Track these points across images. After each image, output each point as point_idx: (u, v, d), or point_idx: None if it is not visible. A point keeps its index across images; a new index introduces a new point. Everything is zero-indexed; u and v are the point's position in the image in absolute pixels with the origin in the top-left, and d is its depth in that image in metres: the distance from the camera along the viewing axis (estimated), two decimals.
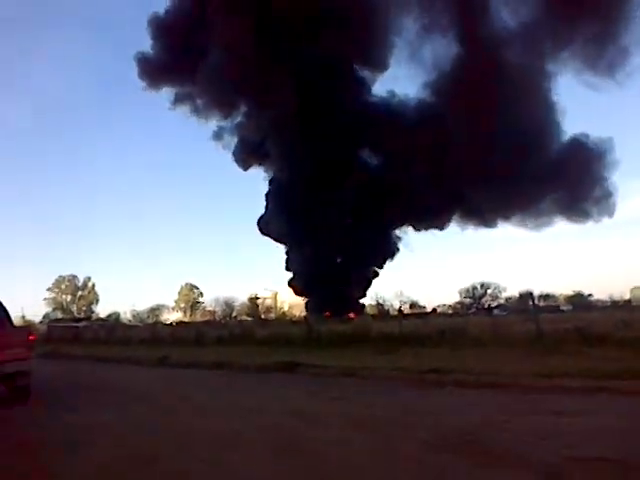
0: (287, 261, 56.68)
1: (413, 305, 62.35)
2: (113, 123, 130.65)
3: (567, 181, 45.39)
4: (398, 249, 56.05)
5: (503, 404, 8.83)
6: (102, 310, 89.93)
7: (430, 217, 52.01)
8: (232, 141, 56.58)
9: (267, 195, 56.50)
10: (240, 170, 59.16)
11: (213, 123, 58.53)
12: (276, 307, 71.25)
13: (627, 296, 60.73)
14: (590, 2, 40.38)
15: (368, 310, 56.51)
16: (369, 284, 56.40)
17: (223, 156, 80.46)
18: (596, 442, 5.95)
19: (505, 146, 41.02)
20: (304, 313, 48.91)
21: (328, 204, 49.58)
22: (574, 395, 9.17)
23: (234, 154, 56.40)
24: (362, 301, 57.15)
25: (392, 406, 9.15)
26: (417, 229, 54.84)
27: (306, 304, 54.84)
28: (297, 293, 57.36)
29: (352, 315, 44.47)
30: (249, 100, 50.86)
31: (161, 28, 51.69)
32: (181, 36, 49.40)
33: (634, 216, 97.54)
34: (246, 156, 55.96)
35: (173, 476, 5.43)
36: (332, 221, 50.11)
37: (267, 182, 57.66)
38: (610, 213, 48.06)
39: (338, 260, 54.83)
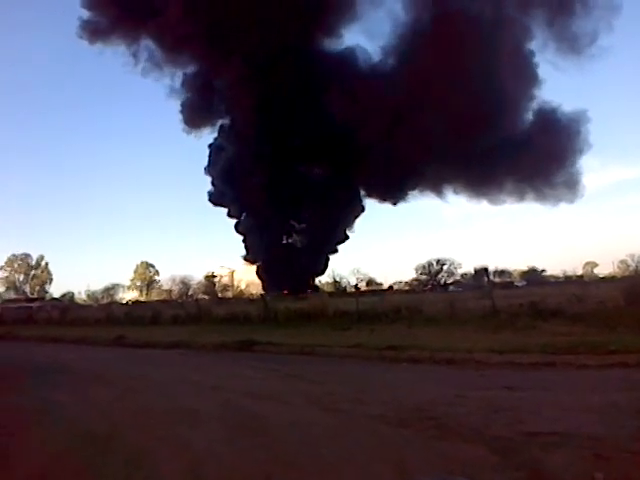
0: (244, 238, 56.52)
1: (370, 282, 63.17)
2: (62, 90, 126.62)
3: (533, 158, 45.25)
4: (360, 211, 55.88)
5: (458, 380, 8.98)
6: (56, 290, 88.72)
7: (385, 187, 52.07)
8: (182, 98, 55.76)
9: (211, 158, 56.35)
10: (194, 139, 58.93)
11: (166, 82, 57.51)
12: (233, 285, 70.90)
13: (580, 271, 62.38)
14: None
15: (325, 288, 56.81)
16: (327, 261, 56.57)
17: (178, 129, 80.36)
18: (548, 417, 6.07)
19: (468, 115, 40.65)
20: (261, 291, 48.71)
21: (286, 176, 49.28)
22: (526, 370, 9.36)
23: (182, 114, 55.57)
24: (319, 279, 57.40)
25: (349, 383, 9.23)
26: (371, 195, 55.04)
27: (263, 282, 54.76)
28: (253, 266, 57.60)
29: (309, 292, 44.71)
30: (202, 59, 50.37)
31: None
32: None
33: (588, 193, 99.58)
34: (195, 117, 55.17)
35: (128, 453, 5.34)
36: (289, 195, 49.88)
37: (212, 140, 57.45)
38: (577, 196, 48.67)
39: (295, 237, 54.89)
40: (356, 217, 56.07)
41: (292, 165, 51.46)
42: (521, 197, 50.06)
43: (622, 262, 61.25)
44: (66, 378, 11.16)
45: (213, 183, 56.75)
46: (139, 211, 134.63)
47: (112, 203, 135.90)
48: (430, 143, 42.23)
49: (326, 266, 56.45)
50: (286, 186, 49.80)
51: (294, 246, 54.75)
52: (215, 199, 57.12)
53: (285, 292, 43.81)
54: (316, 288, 55.43)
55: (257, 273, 56.58)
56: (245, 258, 58.00)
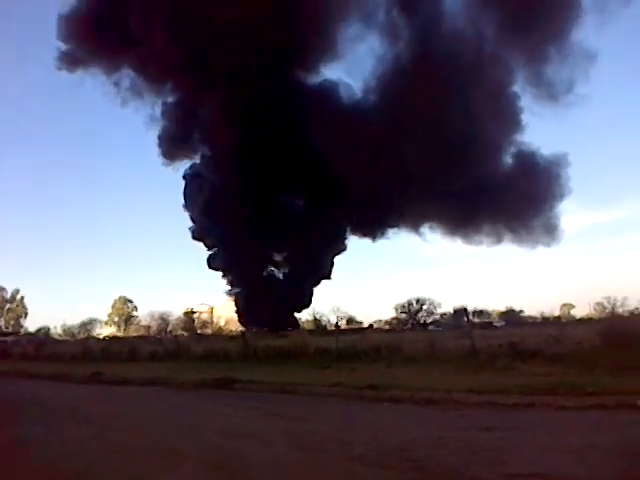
0: (223, 274, 56.20)
1: (350, 321, 62.92)
2: (40, 121, 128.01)
3: (513, 200, 45.12)
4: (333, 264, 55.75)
5: (438, 420, 9.01)
6: (31, 324, 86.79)
7: (365, 222, 52.08)
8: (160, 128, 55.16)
9: (187, 190, 55.88)
10: (172, 171, 61.81)
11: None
12: (212, 322, 70.27)
13: (557, 312, 62.69)
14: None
15: (305, 325, 56.47)
16: (311, 296, 56.11)
17: (158, 162, 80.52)
18: (527, 458, 6.08)
19: (448, 153, 40.73)
20: (241, 328, 48.34)
21: (267, 207, 49.16)
22: (506, 411, 9.42)
23: (160, 145, 54.89)
24: (299, 316, 56.97)
25: (329, 422, 9.20)
26: (351, 229, 54.62)
27: (242, 319, 54.27)
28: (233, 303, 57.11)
29: (289, 330, 44.37)
30: (184, 88, 50.16)
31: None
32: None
33: (565, 235, 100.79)
34: (173, 148, 54.55)
35: None
36: (270, 226, 49.79)
37: (187, 173, 57.04)
38: (555, 240, 48.17)
39: (276, 270, 54.59)
40: (338, 252, 55.75)
41: (274, 195, 51.23)
42: (499, 239, 50.01)
43: (598, 304, 61.36)
44: (41, 415, 10.98)
45: (192, 218, 56.33)
46: (118, 245, 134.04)
47: (90, 237, 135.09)
48: (410, 179, 42.33)
49: (310, 300, 55.98)
50: (267, 217, 49.54)
51: (275, 279, 54.32)
52: (197, 234, 56.69)
53: (266, 329, 43.43)
54: (297, 324, 54.97)
55: (236, 309, 55.93)
56: (229, 293, 57.47)
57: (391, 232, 53.87)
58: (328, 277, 55.67)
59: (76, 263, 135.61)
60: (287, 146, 45.73)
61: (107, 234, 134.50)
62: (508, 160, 47.69)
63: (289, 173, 47.86)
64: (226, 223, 49.69)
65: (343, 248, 55.85)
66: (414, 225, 51.82)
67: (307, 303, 56.15)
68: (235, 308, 56.27)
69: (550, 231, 47.27)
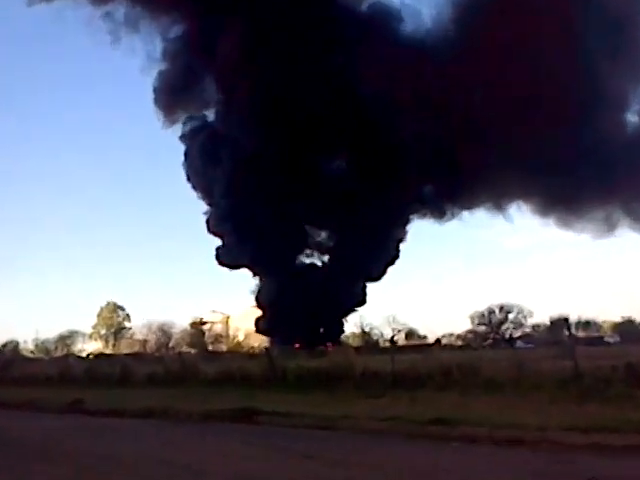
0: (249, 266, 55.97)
1: (410, 335, 62.82)
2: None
3: (635, 174, 43.60)
4: (398, 253, 55.07)
5: (526, 467, 8.84)
6: None
7: (431, 194, 51.73)
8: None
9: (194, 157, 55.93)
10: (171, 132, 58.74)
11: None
12: (228, 336, 70.82)
13: None
14: None
15: (350, 340, 56.42)
16: (359, 303, 55.81)
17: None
18: None
19: (551, 100, 39.49)
20: (265, 343, 48.53)
21: (303, 176, 49.18)
22: (619, 455, 9.21)
23: (157, 97, 55.23)
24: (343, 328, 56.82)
25: (380, 468, 9.09)
26: (410, 206, 53.86)
27: (268, 331, 54.34)
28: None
29: (329, 346, 44.23)
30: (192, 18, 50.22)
31: None
32: None
33: None
34: (175, 101, 54.79)
35: None
36: (313, 207, 49.43)
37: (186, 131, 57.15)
38: None
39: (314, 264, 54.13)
40: (399, 239, 55.14)
41: (315, 163, 50.83)
42: (611, 225, 48.46)
43: None
44: (4, 453, 11.17)
45: (210, 203, 56.28)
46: (105, 238, 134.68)
47: (70, 229, 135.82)
48: (493, 140, 41.63)
49: (362, 301, 55.48)
50: (307, 190, 49.24)
51: (312, 274, 53.83)
52: (215, 225, 56.61)
53: (297, 345, 43.51)
54: (339, 337, 54.80)
55: (261, 316, 55.81)
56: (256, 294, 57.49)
57: (464, 214, 52.95)
58: (382, 272, 54.88)
59: (52, 262, 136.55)
60: (332, 95, 45.12)
61: (92, 225, 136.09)
62: (633, 119, 45.77)
63: (332, 132, 47.18)
64: (253, 201, 49.71)
65: (403, 234, 55.24)
66: (496, 203, 50.72)
67: (356, 305, 55.51)
68: (258, 315, 55.92)
69: None
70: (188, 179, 57.21)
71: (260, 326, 55.74)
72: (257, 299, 56.79)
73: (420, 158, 44.88)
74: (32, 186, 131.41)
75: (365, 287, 55.58)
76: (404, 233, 55.54)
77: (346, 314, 55.89)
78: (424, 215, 54.91)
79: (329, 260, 55.35)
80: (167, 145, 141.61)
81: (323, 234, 55.64)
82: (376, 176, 48.82)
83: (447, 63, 42.76)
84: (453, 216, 53.71)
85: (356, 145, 48.35)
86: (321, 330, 52.19)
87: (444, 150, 43.26)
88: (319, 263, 56.37)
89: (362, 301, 55.87)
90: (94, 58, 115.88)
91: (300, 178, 49.04)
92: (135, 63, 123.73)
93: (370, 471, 8.93)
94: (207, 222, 57.03)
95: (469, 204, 51.89)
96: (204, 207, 58.54)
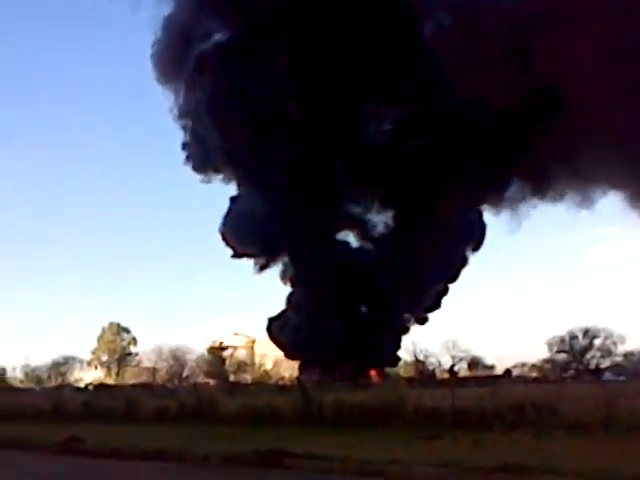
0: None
1: (473, 364, 59.67)
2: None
3: None
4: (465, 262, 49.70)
5: None
6: None
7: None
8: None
9: None
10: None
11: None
12: (253, 364, 68.21)
13: None
14: None
15: (401, 370, 53.06)
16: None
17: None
18: None
19: None
20: (297, 373, 45.68)
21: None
22: None
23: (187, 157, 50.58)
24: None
25: None
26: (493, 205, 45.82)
27: (300, 357, 50.89)
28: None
29: (373, 374, 41.04)
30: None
31: None
32: None
33: None
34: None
35: None
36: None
37: None
38: None
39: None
40: (474, 246, 48.83)
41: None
42: None
43: None
44: None
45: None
46: (107, 252, 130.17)
47: (65, 238, 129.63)
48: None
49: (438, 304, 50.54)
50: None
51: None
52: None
53: (336, 375, 40.27)
54: (394, 361, 50.97)
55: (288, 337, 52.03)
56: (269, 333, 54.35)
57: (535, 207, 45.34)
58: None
59: (45, 276, 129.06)
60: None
61: (91, 237, 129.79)
62: None
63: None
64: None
65: (480, 240, 48.48)
66: (580, 192, 42.40)
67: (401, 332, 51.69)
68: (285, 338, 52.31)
69: None
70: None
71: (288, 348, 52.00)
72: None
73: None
74: (30, 198, 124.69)
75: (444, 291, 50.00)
76: (481, 237, 47.64)
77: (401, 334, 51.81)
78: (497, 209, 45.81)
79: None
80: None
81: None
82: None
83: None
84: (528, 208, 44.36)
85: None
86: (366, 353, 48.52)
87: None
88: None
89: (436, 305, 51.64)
90: None
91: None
92: None
93: None
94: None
95: (539, 192, 42.90)
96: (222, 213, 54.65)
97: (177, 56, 46.37)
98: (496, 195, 44.13)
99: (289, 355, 53.30)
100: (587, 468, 10.22)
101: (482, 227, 47.48)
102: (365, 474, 11.88)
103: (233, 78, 42.32)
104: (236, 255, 52.66)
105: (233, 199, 51.22)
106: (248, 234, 48.03)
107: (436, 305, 50.69)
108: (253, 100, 41.20)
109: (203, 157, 48.82)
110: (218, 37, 45.15)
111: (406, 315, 49.79)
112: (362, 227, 48.20)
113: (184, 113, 48.73)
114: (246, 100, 41.42)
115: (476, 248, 48.00)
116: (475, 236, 47.66)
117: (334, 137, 42.92)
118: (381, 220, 47.49)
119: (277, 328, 51.33)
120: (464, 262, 48.78)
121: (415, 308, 49.19)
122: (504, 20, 37.52)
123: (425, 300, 48.80)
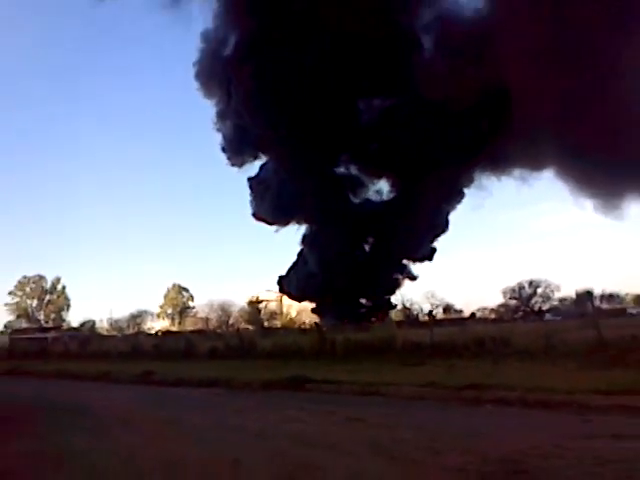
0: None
1: (447, 309, 62.71)
2: (86, 113, 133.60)
3: None
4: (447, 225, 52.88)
5: (554, 426, 8.91)
6: (74, 318, 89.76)
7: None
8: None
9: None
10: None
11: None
12: (282, 313, 70.98)
13: None
14: None
15: (393, 315, 56.19)
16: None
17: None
18: None
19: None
20: (315, 319, 48.43)
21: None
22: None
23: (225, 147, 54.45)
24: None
25: (421, 428, 9.17)
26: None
27: (316, 307, 54.05)
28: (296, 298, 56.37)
29: (374, 320, 43.90)
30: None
31: None
32: None
33: None
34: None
35: None
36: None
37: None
38: None
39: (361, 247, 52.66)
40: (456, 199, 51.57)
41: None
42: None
43: None
44: (85, 421, 11.35)
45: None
46: (170, 226, 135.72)
47: (138, 217, 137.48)
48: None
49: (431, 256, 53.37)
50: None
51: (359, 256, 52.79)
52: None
53: (345, 320, 43.25)
54: (389, 308, 53.85)
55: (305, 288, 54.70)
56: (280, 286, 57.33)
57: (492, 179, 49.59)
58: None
59: (123, 247, 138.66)
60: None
61: (157, 214, 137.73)
62: None
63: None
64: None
65: (459, 197, 51.97)
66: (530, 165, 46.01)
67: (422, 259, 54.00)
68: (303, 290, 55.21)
69: None
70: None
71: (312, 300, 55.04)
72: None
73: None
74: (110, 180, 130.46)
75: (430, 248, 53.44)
76: (460, 196, 51.87)
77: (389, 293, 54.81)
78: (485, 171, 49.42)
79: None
80: None
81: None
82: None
83: None
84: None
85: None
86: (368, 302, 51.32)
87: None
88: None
89: (430, 256, 53.95)
90: None
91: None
92: None
93: (412, 430, 8.98)
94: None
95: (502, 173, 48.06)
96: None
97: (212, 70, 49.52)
98: (467, 174, 48.35)
99: (296, 298, 56.74)
100: (530, 385, 11.60)
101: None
102: (366, 393, 13.36)
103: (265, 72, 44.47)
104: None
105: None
106: (272, 200, 51.69)
107: (430, 257, 54.21)
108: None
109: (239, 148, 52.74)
110: (236, 39, 48.10)
111: (399, 275, 53.43)
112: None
113: (222, 115, 52.61)
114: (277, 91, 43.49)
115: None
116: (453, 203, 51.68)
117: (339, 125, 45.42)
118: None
119: (286, 282, 55.76)
120: (446, 224, 52.51)
121: (412, 255, 52.66)
122: (465, 33, 39.51)
123: (419, 250, 52.36)
